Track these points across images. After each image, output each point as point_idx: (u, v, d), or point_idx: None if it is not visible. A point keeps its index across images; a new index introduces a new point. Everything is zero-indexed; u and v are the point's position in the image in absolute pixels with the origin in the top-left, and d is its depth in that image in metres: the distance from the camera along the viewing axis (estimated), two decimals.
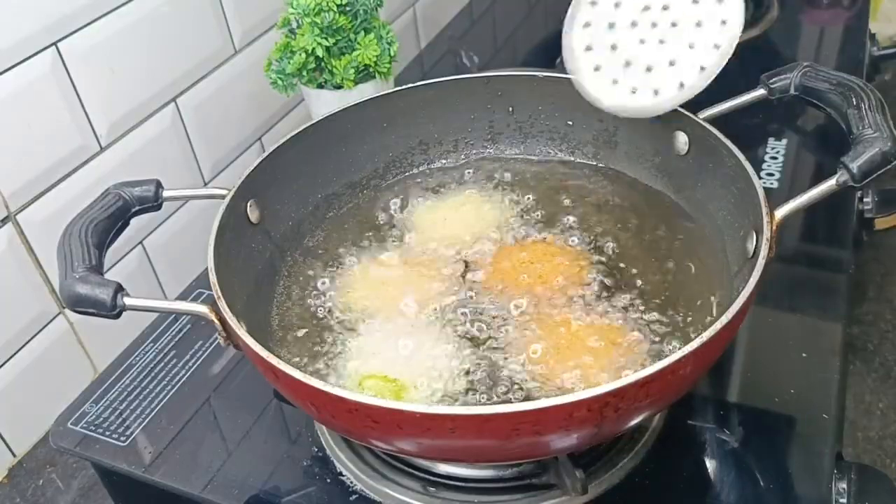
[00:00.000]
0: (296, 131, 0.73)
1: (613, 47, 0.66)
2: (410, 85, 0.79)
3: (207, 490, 0.65)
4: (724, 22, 0.64)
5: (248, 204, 0.68)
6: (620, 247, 0.70)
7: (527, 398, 0.58)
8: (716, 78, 0.65)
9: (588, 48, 0.67)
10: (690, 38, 0.65)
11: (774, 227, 0.56)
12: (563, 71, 0.70)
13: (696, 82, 0.65)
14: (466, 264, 0.70)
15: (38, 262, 0.83)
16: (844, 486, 0.60)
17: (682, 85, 0.65)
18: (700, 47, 0.65)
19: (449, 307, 0.65)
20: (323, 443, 0.67)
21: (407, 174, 0.81)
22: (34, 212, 0.82)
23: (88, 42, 0.84)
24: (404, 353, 0.61)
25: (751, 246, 0.59)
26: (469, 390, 0.58)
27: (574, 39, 0.68)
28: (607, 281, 0.66)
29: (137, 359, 0.77)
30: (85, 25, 0.84)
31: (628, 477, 0.62)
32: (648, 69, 0.66)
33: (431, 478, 0.63)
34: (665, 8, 0.66)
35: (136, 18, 0.89)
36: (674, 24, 0.65)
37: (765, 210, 0.57)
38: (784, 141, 0.96)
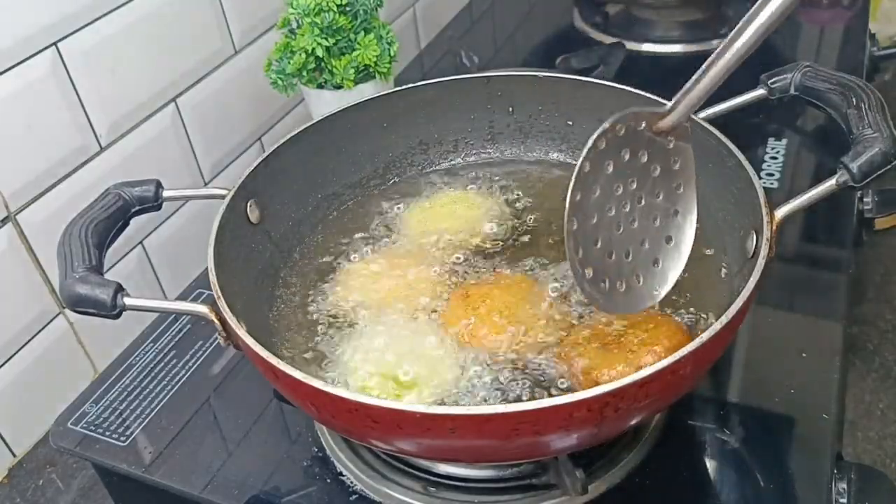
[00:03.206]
0: (296, 131, 0.73)
1: (595, 237, 0.59)
2: (410, 85, 0.79)
3: (207, 490, 0.65)
4: (678, 186, 0.60)
5: (248, 204, 0.68)
6: None
7: (528, 397, 0.58)
8: None
9: (578, 247, 0.58)
10: (655, 212, 0.60)
11: (774, 227, 0.56)
12: (563, 71, 0.70)
13: (671, 263, 0.60)
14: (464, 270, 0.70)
15: (38, 262, 0.83)
16: (844, 486, 0.60)
17: (656, 262, 0.60)
18: (663, 223, 0.60)
19: (452, 307, 0.65)
20: (323, 443, 0.67)
21: (407, 174, 0.81)
22: (34, 212, 0.82)
23: (88, 42, 0.84)
24: (406, 352, 0.61)
25: (751, 246, 0.59)
26: (470, 389, 0.58)
27: (571, 235, 0.58)
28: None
29: (137, 359, 0.77)
30: (85, 25, 0.84)
31: (628, 477, 0.62)
32: (626, 254, 0.60)
33: (431, 478, 0.63)
34: (632, 182, 0.60)
35: (136, 18, 0.89)
36: (639, 200, 0.60)
37: (765, 210, 0.57)
38: (784, 141, 0.96)
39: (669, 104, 0.60)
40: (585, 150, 0.56)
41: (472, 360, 0.61)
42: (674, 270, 0.60)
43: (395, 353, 0.61)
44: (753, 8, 0.56)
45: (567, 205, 0.56)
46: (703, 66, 0.58)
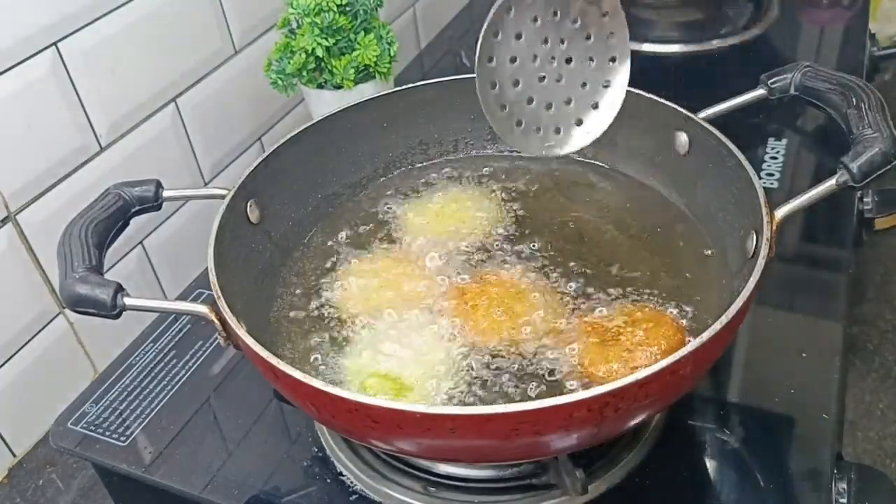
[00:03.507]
0: (296, 131, 0.73)
1: (516, 83, 0.64)
2: (410, 85, 0.79)
3: (207, 490, 0.65)
4: (612, 59, 0.65)
5: (248, 204, 0.68)
6: (619, 247, 0.71)
7: (526, 397, 0.58)
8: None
9: (493, 84, 0.64)
10: (583, 75, 0.65)
11: (774, 227, 0.56)
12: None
13: (594, 123, 0.65)
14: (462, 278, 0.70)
15: (38, 262, 0.83)
16: (844, 486, 0.60)
17: (579, 122, 0.66)
18: (592, 85, 0.65)
19: (451, 305, 0.65)
20: (323, 443, 0.67)
21: (407, 174, 0.81)
22: (34, 212, 0.82)
23: (88, 42, 0.84)
24: (405, 352, 0.61)
25: (751, 246, 0.59)
26: (469, 389, 0.58)
27: (483, 75, 0.64)
28: (607, 281, 0.66)
29: (137, 359, 0.77)
30: (85, 25, 0.84)
31: (628, 477, 0.62)
32: (548, 107, 0.65)
33: (431, 478, 0.63)
34: (562, 41, 0.64)
35: (136, 18, 0.89)
36: (568, 61, 0.65)
37: (765, 210, 0.57)
38: (784, 141, 0.96)
39: None
40: None
41: (471, 357, 0.61)
42: (590, 136, 0.66)
43: (394, 352, 0.61)
44: None
45: (480, 39, 0.62)
46: None
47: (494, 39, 0.63)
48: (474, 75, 0.75)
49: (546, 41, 0.64)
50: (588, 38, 0.65)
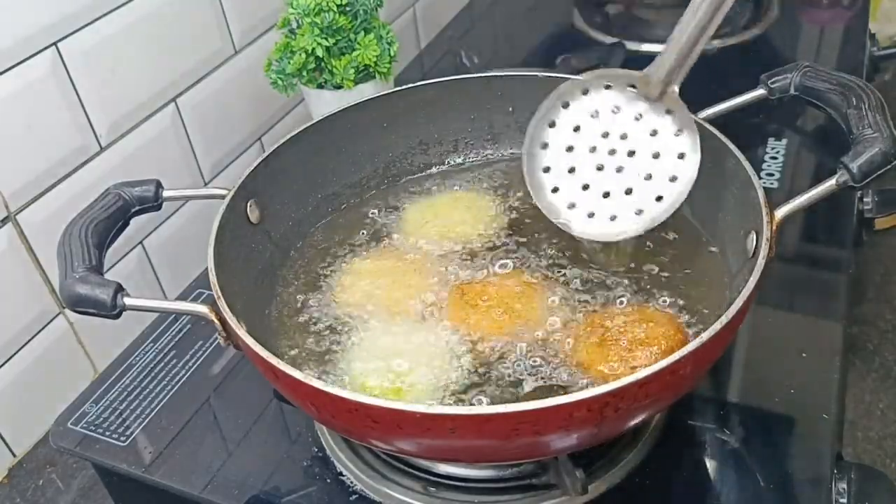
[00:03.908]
0: (296, 131, 0.73)
1: (571, 170, 0.64)
2: (410, 85, 0.79)
3: (207, 490, 0.65)
4: (681, 155, 0.64)
5: (248, 204, 0.68)
6: (618, 247, 0.70)
7: (526, 397, 0.58)
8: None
9: (546, 169, 0.64)
10: (648, 168, 0.64)
11: (774, 227, 0.56)
12: (564, 71, 0.71)
13: (655, 213, 0.64)
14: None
15: (38, 262, 0.83)
16: (844, 486, 0.60)
17: (639, 212, 0.64)
18: (657, 178, 0.64)
19: (451, 305, 0.65)
20: (323, 443, 0.67)
21: (407, 174, 0.81)
22: (34, 212, 0.82)
23: (88, 42, 0.84)
24: (405, 352, 0.61)
25: (751, 246, 0.59)
26: (469, 389, 0.58)
27: (533, 160, 0.65)
28: (606, 280, 0.66)
29: (137, 359, 0.77)
30: (85, 25, 0.84)
31: (628, 477, 0.62)
32: (605, 195, 0.65)
33: (431, 478, 0.63)
34: (623, 137, 0.64)
35: (136, 18, 0.89)
36: (631, 154, 0.64)
37: (765, 210, 0.57)
38: (784, 141, 0.96)
39: (646, 69, 0.63)
40: (561, 89, 0.63)
41: (471, 356, 0.61)
42: (649, 224, 0.64)
43: (394, 351, 0.61)
44: None
45: (532, 128, 0.63)
46: (674, 31, 0.62)
47: (550, 129, 0.63)
48: (475, 75, 0.75)
49: (606, 135, 0.64)
50: (654, 133, 0.63)
